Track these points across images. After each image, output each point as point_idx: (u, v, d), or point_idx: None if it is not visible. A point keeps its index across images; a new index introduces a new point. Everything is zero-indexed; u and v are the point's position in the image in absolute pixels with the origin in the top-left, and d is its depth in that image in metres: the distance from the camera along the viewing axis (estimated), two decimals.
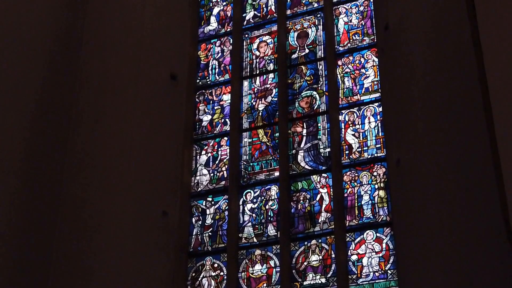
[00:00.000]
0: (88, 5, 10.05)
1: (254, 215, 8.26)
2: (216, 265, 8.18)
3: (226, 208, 8.37)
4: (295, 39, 9.12)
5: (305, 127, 8.52)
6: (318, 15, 9.13)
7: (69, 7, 9.73)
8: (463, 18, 7.08)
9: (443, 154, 7.37)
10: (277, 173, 8.34)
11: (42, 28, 9.15)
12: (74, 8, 9.82)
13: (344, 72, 8.61)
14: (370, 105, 8.29)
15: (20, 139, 8.48)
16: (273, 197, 8.26)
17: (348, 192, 7.93)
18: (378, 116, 8.18)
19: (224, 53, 9.44)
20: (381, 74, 8.34)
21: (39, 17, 9.11)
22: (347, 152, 8.15)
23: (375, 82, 8.39)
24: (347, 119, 8.32)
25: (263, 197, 8.32)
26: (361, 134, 8.19)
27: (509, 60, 5.60)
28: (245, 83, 9.09)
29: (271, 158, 8.52)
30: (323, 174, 8.16)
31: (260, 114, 8.82)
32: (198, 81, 9.37)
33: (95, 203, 8.71)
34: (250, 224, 8.23)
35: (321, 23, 9.05)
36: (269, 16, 9.43)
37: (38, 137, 8.70)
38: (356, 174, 7.99)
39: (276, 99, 8.79)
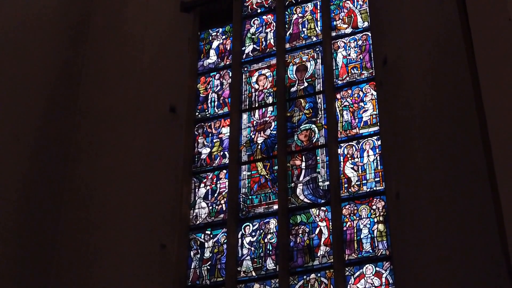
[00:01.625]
0: (88, 38, 10.12)
1: (252, 248, 8.22)
2: None
3: (225, 241, 8.33)
4: (294, 73, 9.17)
5: (304, 160, 8.52)
6: (317, 49, 9.20)
7: (69, 40, 9.81)
8: (461, 53, 7.13)
9: (442, 188, 7.36)
10: (276, 206, 8.32)
11: (42, 62, 9.21)
12: (74, 41, 9.89)
13: (343, 105, 8.64)
14: (369, 138, 8.31)
15: (19, 172, 8.47)
16: (272, 231, 8.23)
17: (347, 226, 7.90)
18: (377, 150, 8.19)
19: (223, 86, 9.49)
20: (379, 107, 8.37)
21: (39, 51, 9.17)
22: (346, 185, 8.14)
23: (374, 116, 8.42)
24: (346, 152, 8.33)
25: (262, 231, 8.28)
26: (360, 167, 8.19)
27: (507, 94, 5.62)
28: (244, 116, 9.11)
29: (270, 191, 8.50)
30: (322, 208, 8.14)
31: (259, 147, 8.83)
32: (197, 113, 9.39)
33: (93, 235, 8.67)
34: (248, 257, 8.18)
35: (320, 57, 9.11)
36: (268, 49, 9.50)
37: (37, 170, 8.70)
38: (355, 208, 7.97)
39: (275, 132, 8.81)
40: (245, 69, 9.47)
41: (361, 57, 8.88)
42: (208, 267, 8.30)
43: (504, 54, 5.41)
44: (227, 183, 8.70)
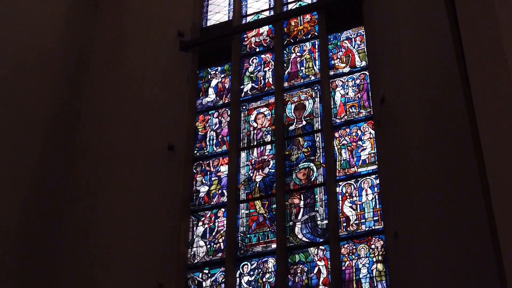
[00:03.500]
0: (88, 76, 10.16)
1: None
2: None
3: (223, 280, 8.27)
4: (292, 111, 9.20)
5: (302, 198, 8.51)
6: (315, 88, 9.25)
7: (68, 78, 9.84)
8: (458, 92, 7.16)
9: (441, 227, 7.33)
10: (274, 245, 8.28)
11: (41, 99, 9.23)
12: (73, 79, 9.92)
13: (341, 144, 8.66)
14: (367, 177, 8.31)
15: (17, 209, 8.43)
16: (270, 270, 8.18)
17: (346, 265, 7.86)
18: (376, 188, 8.18)
19: (222, 125, 9.52)
20: (378, 146, 8.38)
21: (38, 89, 9.20)
22: (344, 224, 8.12)
23: (372, 154, 8.43)
24: (344, 191, 8.32)
25: (260, 270, 8.23)
26: (358, 206, 8.18)
27: (504, 132, 5.63)
28: (243, 154, 9.13)
29: (268, 230, 8.47)
30: (320, 247, 8.10)
31: (257, 185, 8.82)
32: (195, 152, 9.40)
33: (91, 273, 8.60)
34: None
35: (318, 96, 9.16)
36: (266, 88, 9.55)
37: (34, 208, 8.66)
38: (354, 247, 7.93)
39: (273, 170, 8.81)
40: (244, 107, 9.51)
41: (359, 96, 8.92)
42: None
43: (501, 94, 5.44)
44: (225, 221, 8.67)
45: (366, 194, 8.20)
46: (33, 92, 9.12)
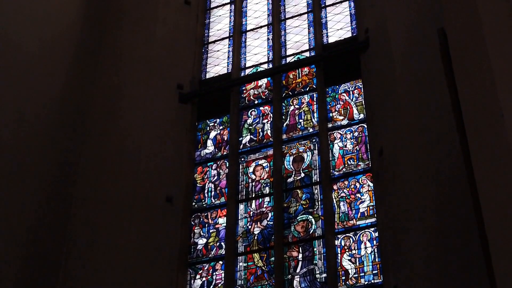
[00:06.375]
0: (86, 127, 10.17)
1: None
2: None
3: None
4: (290, 163, 9.21)
5: (301, 251, 8.45)
6: (314, 140, 9.27)
7: (66, 130, 9.84)
8: (456, 144, 7.18)
9: (441, 282, 7.26)
10: None
11: (40, 152, 9.23)
12: (72, 131, 9.92)
13: (339, 196, 8.64)
14: (366, 230, 8.26)
15: (14, 263, 8.36)
16: None
17: None
18: (375, 241, 8.13)
19: (220, 176, 9.51)
20: (376, 199, 8.36)
21: (37, 142, 9.21)
22: (343, 277, 8.04)
23: (371, 207, 8.40)
24: (343, 244, 8.27)
25: None
26: (357, 259, 8.11)
27: (502, 185, 5.63)
28: (241, 207, 9.10)
29: (266, 283, 8.39)
30: None
31: (255, 238, 8.77)
32: (194, 203, 9.37)
33: None
34: None
35: (317, 148, 9.17)
36: (265, 140, 9.58)
37: (30, 262, 8.58)
38: None
39: (271, 223, 8.77)
40: (242, 159, 9.52)
41: (357, 149, 8.94)
42: None
43: (497, 148, 5.46)
44: (223, 274, 8.59)
45: (365, 247, 8.14)
46: (32, 145, 9.13)
